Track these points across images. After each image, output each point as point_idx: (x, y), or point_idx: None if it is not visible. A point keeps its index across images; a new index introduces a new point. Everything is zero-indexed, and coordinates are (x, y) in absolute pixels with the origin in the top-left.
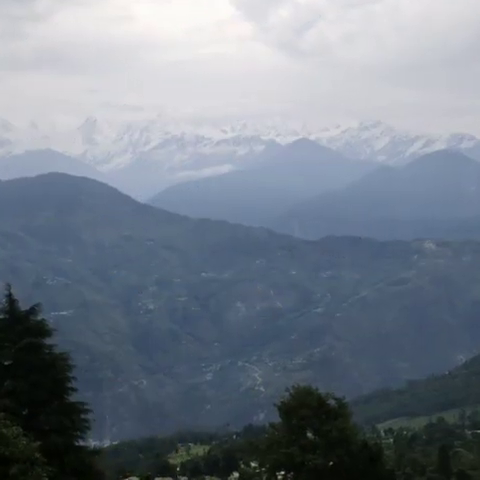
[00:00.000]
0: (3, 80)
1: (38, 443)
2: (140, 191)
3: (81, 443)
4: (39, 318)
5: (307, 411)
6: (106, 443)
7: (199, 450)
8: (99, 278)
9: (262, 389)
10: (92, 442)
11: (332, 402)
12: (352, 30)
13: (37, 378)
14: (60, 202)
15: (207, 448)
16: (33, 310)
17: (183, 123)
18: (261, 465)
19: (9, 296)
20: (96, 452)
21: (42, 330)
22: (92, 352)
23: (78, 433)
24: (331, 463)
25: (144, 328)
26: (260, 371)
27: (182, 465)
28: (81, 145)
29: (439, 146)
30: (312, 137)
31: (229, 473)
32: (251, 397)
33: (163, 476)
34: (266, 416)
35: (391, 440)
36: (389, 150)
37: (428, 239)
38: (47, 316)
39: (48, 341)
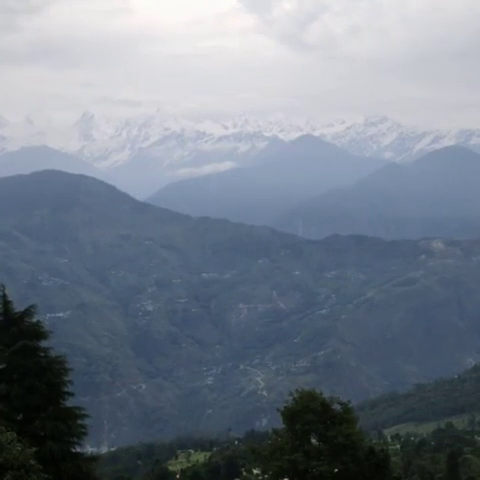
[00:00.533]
0: None
1: (33, 449)
2: (139, 189)
3: (78, 449)
4: (34, 320)
5: (311, 416)
6: (104, 449)
7: (200, 457)
8: (96, 279)
9: (265, 393)
10: (89, 448)
11: (337, 407)
12: (358, 22)
13: (32, 382)
14: (56, 200)
15: (208, 454)
16: (28, 312)
17: (183, 119)
18: (264, 472)
19: (3, 297)
20: (93, 459)
21: (37, 332)
22: (89, 355)
23: (75, 439)
24: (336, 470)
25: (143, 330)
26: (263, 375)
27: (182, 472)
28: (78, 141)
29: (448, 142)
30: (316, 133)
31: None
32: (253, 402)
33: None
34: (269, 421)
35: (398, 446)
36: (396, 146)
37: (436, 238)
38: (43, 318)
39: (44, 344)
